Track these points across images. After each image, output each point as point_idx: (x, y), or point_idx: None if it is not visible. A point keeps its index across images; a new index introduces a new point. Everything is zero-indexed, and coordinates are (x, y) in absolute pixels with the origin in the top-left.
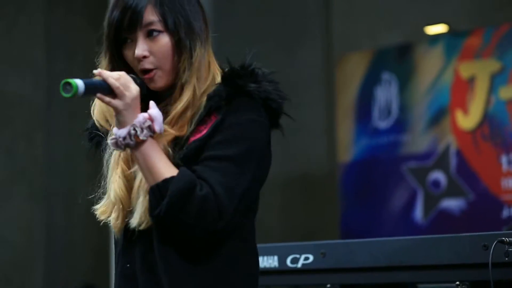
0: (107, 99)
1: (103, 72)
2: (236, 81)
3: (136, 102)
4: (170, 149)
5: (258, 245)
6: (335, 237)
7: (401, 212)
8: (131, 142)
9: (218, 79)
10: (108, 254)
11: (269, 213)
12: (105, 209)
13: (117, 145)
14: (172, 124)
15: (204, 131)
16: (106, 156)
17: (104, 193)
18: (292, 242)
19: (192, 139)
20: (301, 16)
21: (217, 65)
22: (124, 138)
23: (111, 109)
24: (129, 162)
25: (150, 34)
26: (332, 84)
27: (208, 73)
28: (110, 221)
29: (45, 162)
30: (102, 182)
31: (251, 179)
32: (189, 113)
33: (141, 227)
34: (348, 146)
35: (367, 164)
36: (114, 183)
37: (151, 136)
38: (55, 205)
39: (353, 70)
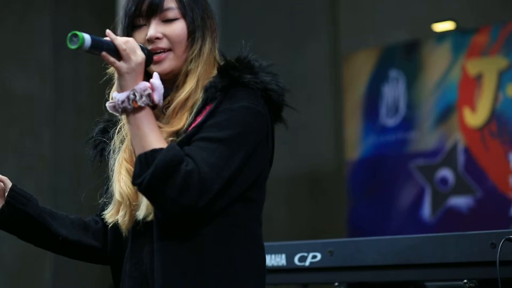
0: (112, 59)
1: (111, 33)
2: (231, 72)
3: (140, 68)
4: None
5: (266, 244)
6: (342, 235)
7: (409, 210)
8: (129, 107)
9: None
10: None
11: (277, 210)
12: (113, 212)
13: (114, 108)
14: (175, 112)
15: (199, 119)
16: (111, 161)
17: (111, 200)
18: (300, 240)
19: (189, 129)
20: (307, 14)
21: (222, 61)
22: (123, 102)
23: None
24: (133, 161)
25: (167, 20)
26: (340, 82)
27: (212, 69)
28: (118, 220)
29: (52, 160)
30: (110, 188)
31: (241, 164)
32: (189, 103)
33: (148, 218)
34: (355, 144)
35: (375, 161)
36: (119, 182)
37: (149, 106)
38: (62, 202)
39: (360, 68)
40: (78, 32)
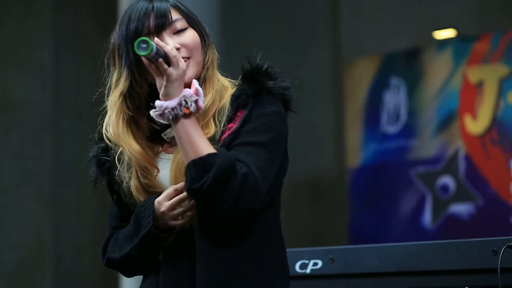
0: (165, 66)
1: (160, 41)
2: (258, 78)
3: (184, 75)
4: None
5: None
6: (343, 242)
7: (409, 217)
8: (180, 113)
9: (226, 83)
10: None
11: None
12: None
13: (162, 116)
14: (198, 119)
15: (234, 126)
16: (124, 184)
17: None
18: (301, 247)
19: (224, 137)
20: (309, 21)
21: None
22: (173, 109)
23: (121, 133)
24: (144, 191)
25: (178, 31)
26: (341, 89)
27: (217, 77)
28: None
29: (53, 165)
30: (123, 212)
31: (278, 167)
32: (210, 111)
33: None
34: (356, 151)
35: (376, 169)
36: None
37: (194, 112)
38: (63, 208)
39: (361, 75)
40: (147, 38)
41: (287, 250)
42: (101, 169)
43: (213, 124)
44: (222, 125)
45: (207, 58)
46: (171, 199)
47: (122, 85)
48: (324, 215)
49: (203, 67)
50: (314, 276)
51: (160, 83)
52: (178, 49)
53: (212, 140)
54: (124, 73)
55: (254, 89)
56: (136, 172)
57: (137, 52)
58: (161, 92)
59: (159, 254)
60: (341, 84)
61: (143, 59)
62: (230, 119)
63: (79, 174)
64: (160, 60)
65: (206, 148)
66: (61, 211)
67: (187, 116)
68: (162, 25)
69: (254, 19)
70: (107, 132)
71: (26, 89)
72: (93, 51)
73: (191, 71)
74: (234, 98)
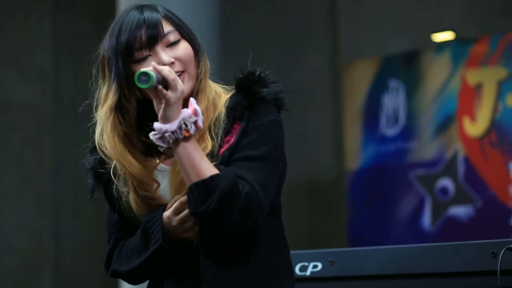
0: (165, 91)
1: (157, 65)
2: (251, 88)
3: (182, 96)
4: None
5: None
6: (342, 245)
7: (409, 220)
8: (181, 136)
9: (218, 89)
10: None
11: None
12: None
13: (162, 139)
14: (195, 134)
15: (232, 139)
16: (123, 200)
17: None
18: (300, 249)
19: (222, 150)
20: (307, 23)
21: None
22: (173, 132)
23: (119, 149)
24: (146, 205)
25: (171, 44)
26: (339, 91)
27: (209, 85)
28: None
29: (53, 169)
30: (124, 225)
31: (279, 177)
32: (205, 123)
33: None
34: (355, 154)
35: (375, 171)
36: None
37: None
38: (62, 211)
39: (360, 77)
40: (147, 71)
41: None
42: (98, 181)
43: (209, 137)
44: (219, 138)
45: (200, 70)
46: (179, 212)
47: (111, 99)
48: (323, 218)
49: (197, 79)
50: (313, 278)
51: (158, 106)
52: (172, 63)
53: (210, 154)
54: (113, 87)
55: (249, 100)
56: (134, 186)
57: (138, 85)
58: (159, 115)
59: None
60: (340, 87)
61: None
62: (227, 132)
63: (78, 178)
64: (160, 87)
65: (208, 170)
66: (60, 215)
67: (187, 138)
68: (154, 38)
69: (253, 22)
70: (102, 147)
71: (26, 92)
72: (93, 54)
73: (186, 86)
74: (230, 109)
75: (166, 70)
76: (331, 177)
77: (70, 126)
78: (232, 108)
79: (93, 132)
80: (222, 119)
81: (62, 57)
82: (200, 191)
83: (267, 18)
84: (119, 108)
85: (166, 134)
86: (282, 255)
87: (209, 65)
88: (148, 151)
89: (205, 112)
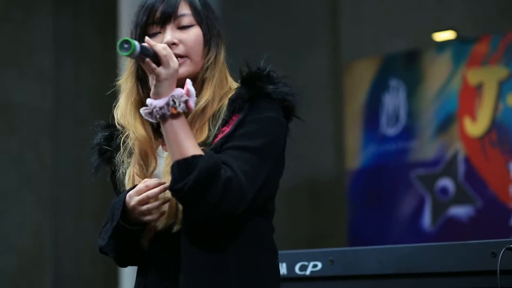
0: (153, 65)
1: (150, 40)
2: (256, 83)
3: (176, 75)
4: None
5: None
6: (342, 244)
7: (409, 219)
8: (168, 113)
9: (234, 86)
10: None
11: (277, 219)
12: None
13: (151, 115)
14: (193, 122)
15: (228, 129)
16: (120, 175)
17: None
18: (300, 249)
19: (216, 140)
20: (308, 22)
21: (228, 74)
22: (161, 108)
23: (130, 117)
24: (144, 175)
25: (182, 27)
26: (340, 91)
27: (226, 79)
28: None
29: (53, 169)
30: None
31: (268, 173)
32: (207, 113)
33: (174, 230)
34: (356, 153)
35: (375, 171)
36: None
37: (185, 113)
38: (62, 212)
39: (361, 77)
40: (129, 39)
41: (287, 252)
42: (102, 158)
43: (207, 128)
44: (216, 128)
45: (207, 59)
46: (141, 194)
47: (129, 68)
48: (323, 217)
49: (202, 67)
50: (313, 278)
51: (151, 81)
52: (175, 44)
53: (204, 143)
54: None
55: (251, 94)
56: (136, 159)
57: (119, 51)
58: (151, 90)
59: (145, 250)
60: (341, 86)
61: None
62: (225, 123)
63: (78, 178)
64: (147, 60)
65: (192, 149)
66: (60, 215)
67: (175, 116)
68: (167, 17)
69: (253, 22)
70: (115, 113)
71: (26, 92)
72: (93, 55)
73: (184, 69)
74: (231, 101)
75: (159, 46)
76: (331, 176)
77: (70, 126)
78: (234, 100)
79: (94, 127)
80: (224, 111)
81: (62, 57)
82: (180, 168)
83: (268, 17)
84: (138, 79)
85: (154, 110)
86: (266, 254)
87: (223, 57)
88: (158, 131)
89: (209, 103)
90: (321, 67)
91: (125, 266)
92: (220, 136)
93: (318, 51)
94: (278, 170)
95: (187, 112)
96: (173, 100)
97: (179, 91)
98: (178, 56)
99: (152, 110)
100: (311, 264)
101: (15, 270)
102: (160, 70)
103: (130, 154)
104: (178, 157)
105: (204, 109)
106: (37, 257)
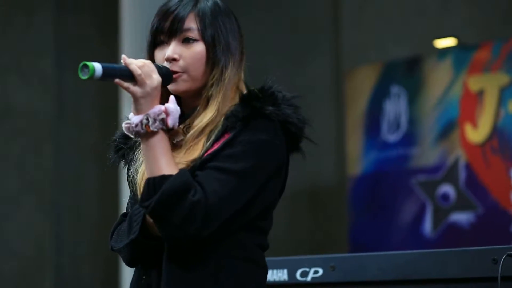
0: (126, 84)
1: (126, 58)
2: (254, 103)
3: (156, 92)
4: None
5: (267, 259)
6: (344, 251)
7: (410, 226)
8: (142, 131)
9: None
10: (117, 266)
11: (278, 226)
12: None
13: (128, 130)
14: (193, 138)
15: (216, 146)
16: (131, 171)
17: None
18: (301, 255)
19: (205, 155)
20: (310, 29)
21: (245, 89)
22: (136, 125)
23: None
24: None
25: (186, 41)
26: (341, 98)
27: (235, 94)
28: None
29: (54, 175)
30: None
31: (251, 198)
32: (207, 130)
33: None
34: (357, 160)
35: (376, 177)
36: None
37: (164, 130)
38: (63, 217)
39: (362, 84)
40: (88, 62)
41: (288, 258)
42: (118, 154)
43: (203, 143)
44: (208, 143)
45: (212, 75)
46: None
47: None
48: (324, 223)
49: (207, 84)
50: (315, 284)
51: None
52: (175, 60)
53: (200, 158)
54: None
55: (245, 113)
56: None
57: (80, 76)
58: (131, 106)
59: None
60: (342, 93)
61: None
62: (216, 139)
63: (79, 183)
64: (117, 80)
65: (164, 168)
66: (61, 220)
67: (152, 133)
68: (173, 31)
69: (255, 28)
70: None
71: (27, 97)
72: (95, 58)
73: (181, 85)
74: (225, 118)
75: (133, 65)
76: (332, 182)
77: (71, 130)
78: (227, 117)
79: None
80: (219, 128)
81: (64, 61)
82: (149, 187)
83: (270, 24)
84: None
85: (130, 126)
86: (248, 269)
87: (232, 74)
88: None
89: (214, 119)
90: (322, 74)
91: (134, 267)
92: (209, 151)
93: (319, 58)
94: (265, 196)
95: (166, 129)
96: (147, 119)
97: (157, 108)
98: (174, 72)
99: (129, 126)
100: (312, 270)
101: (16, 275)
102: (135, 89)
103: None
104: (150, 175)
105: (206, 126)
106: (38, 262)
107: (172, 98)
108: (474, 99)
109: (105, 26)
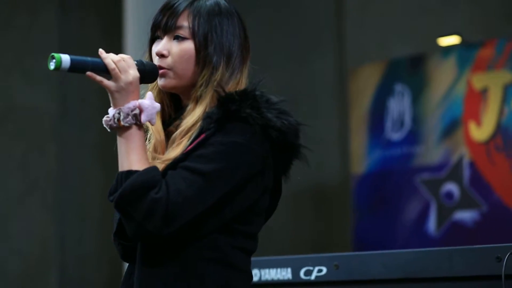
0: (99, 78)
1: (103, 52)
2: (229, 105)
3: (131, 87)
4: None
5: (272, 258)
6: (347, 249)
7: (414, 224)
8: (114, 125)
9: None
10: (122, 265)
11: (281, 224)
12: None
13: (105, 123)
14: (179, 137)
15: (190, 147)
16: None
17: None
18: (305, 254)
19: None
20: (313, 28)
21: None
22: (109, 119)
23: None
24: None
25: (177, 38)
26: (345, 96)
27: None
28: None
29: (58, 174)
30: None
31: (217, 201)
32: (192, 130)
33: None
34: (361, 158)
35: (380, 175)
36: None
37: (137, 125)
38: (68, 217)
39: (365, 82)
40: (55, 54)
41: (292, 257)
42: None
43: (184, 143)
44: (187, 143)
45: (202, 75)
46: None
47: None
48: (328, 222)
49: (196, 83)
50: (318, 282)
51: None
52: (163, 55)
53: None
54: (146, 55)
55: (219, 115)
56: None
57: (48, 66)
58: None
59: None
60: (346, 91)
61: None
62: (194, 140)
63: (84, 183)
64: (88, 73)
65: (133, 164)
66: (65, 219)
67: (125, 128)
68: (167, 27)
69: (258, 27)
70: None
71: (31, 97)
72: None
73: (165, 81)
74: (203, 119)
75: (108, 59)
76: (336, 181)
77: (75, 130)
78: (204, 119)
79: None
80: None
81: None
82: (117, 181)
83: (272, 23)
84: None
85: (105, 119)
86: (222, 270)
87: (225, 77)
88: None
89: (193, 122)
90: (326, 73)
91: (128, 263)
92: (185, 151)
93: (323, 57)
94: (241, 200)
95: (139, 124)
96: (119, 113)
97: (131, 104)
98: (161, 67)
99: (106, 120)
100: (316, 269)
101: (20, 274)
102: (109, 83)
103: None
104: (120, 169)
105: (192, 126)
106: (43, 261)
107: (149, 94)
108: (478, 97)
109: (109, 25)
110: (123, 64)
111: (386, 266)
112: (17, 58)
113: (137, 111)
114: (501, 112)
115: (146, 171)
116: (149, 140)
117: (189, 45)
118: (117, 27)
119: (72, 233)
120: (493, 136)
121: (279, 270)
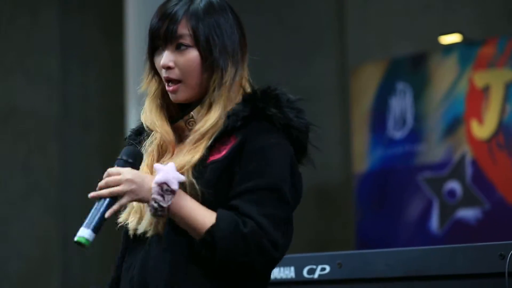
0: (116, 207)
1: (92, 194)
2: (256, 103)
3: (137, 179)
4: (191, 177)
5: None
6: (350, 248)
7: (416, 222)
8: (165, 212)
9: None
10: None
11: None
12: (126, 215)
13: (156, 217)
14: (194, 141)
15: (224, 152)
16: (142, 165)
17: None
18: (308, 252)
19: (212, 158)
20: (315, 27)
21: (250, 88)
22: (156, 212)
23: (156, 114)
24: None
25: (179, 47)
26: (347, 95)
27: (238, 94)
28: (128, 223)
29: (60, 175)
30: None
31: (289, 202)
32: (210, 133)
33: (148, 234)
34: (363, 156)
35: (383, 174)
36: None
37: (175, 193)
38: (70, 218)
39: (367, 80)
40: (78, 239)
41: (295, 255)
42: None
43: (204, 146)
44: (211, 141)
45: (212, 80)
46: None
47: (148, 69)
48: (331, 220)
49: (208, 89)
50: (322, 281)
51: None
52: (170, 68)
53: (201, 161)
54: (147, 63)
55: (246, 113)
56: (156, 151)
57: (82, 249)
58: None
59: None
60: (348, 90)
61: None
62: (221, 139)
63: (86, 184)
64: (107, 214)
65: (203, 224)
66: (68, 220)
67: (172, 204)
68: (167, 37)
69: (259, 26)
70: (142, 117)
71: (33, 98)
72: (100, 59)
73: (180, 95)
74: (226, 117)
75: (103, 191)
76: (339, 180)
77: (77, 131)
78: (228, 117)
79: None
80: (220, 128)
81: (70, 62)
82: (205, 248)
83: (274, 22)
84: (160, 81)
85: (151, 211)
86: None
87: (234, 74)
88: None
89: (211, 125)
90: (328, 71)
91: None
92: (216, 155)
93: (325, 55)
94: (295, 194)
95: (175, 191)
96: (155, 202)
97: (153, 189)
98: (170, 80)
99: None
100: (319, 267)
101: (23, 276)
102: (124, 200)
103: (150, 144)
104: (197, 237)
105: (208, 130)
106: (45, 263)
107: (156, 166)
108: (480, 95)
109: (111, 27)
110: (112, 178)
111: (389, 264)
112: (18, 59)
113: (165, 187)
114: (503, 110)
115: (220, 217)
116: (151, 143)
117: (193, 54)
118: (119, 27)
119: (74, 234)
120: (495, 134)
121: (282, 269)
